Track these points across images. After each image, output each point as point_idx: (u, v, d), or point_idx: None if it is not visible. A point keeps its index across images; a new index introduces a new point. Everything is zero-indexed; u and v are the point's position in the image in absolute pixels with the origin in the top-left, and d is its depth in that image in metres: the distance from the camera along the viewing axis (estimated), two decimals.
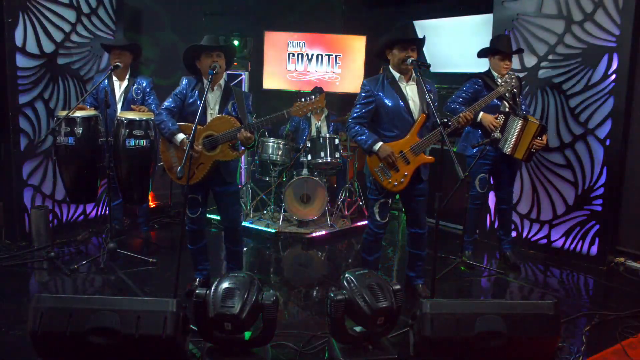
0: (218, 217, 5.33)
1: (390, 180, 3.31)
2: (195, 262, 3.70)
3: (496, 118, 3.98)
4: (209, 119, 3.42)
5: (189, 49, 3.41)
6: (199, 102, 3.36)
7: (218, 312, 2.41)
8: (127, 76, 4.59)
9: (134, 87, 4.55)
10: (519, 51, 4.28)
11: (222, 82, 3.50)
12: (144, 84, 4.60)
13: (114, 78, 4.57)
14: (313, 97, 3.32)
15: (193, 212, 3.54)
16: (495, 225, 4.90)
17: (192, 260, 3.71)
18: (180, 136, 3.35)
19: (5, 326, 3.12)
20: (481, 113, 4.00)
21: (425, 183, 3.48)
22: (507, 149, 3.97)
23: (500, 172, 4.23)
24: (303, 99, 3.34)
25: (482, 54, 4.16)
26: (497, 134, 3.97)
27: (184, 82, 3.47)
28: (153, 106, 4.55)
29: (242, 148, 3.46)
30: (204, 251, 3.70)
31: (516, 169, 4.35)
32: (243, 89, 6.30)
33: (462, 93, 4.05)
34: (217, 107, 3.46)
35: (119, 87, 4.57)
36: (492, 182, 4.34)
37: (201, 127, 3.37)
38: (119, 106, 4.53)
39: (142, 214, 4.86)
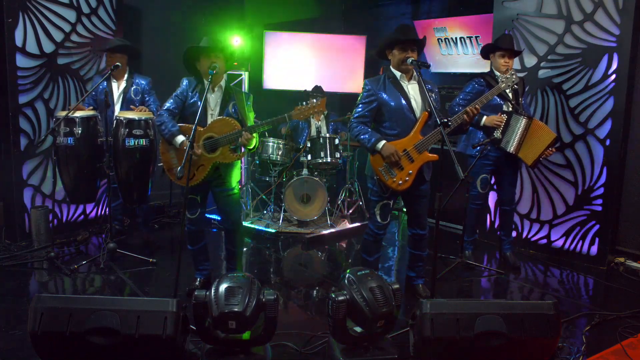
0: (218, 218, 5.35)
1: (395, 179, 3.31)
2: (195, 262, 3.71)
3: (499, 116, 3.98)
4: (209, 120, 3.42)
5: (187, 51, 3.42)
6: (199, 103, 3.36)
7: (222, 310, 2.41)
8: (125, 76, 4.59)
9: (132, 88, 4.55)
10: (519, 52, 4.27)
11: (222, 83, 3.49)
12: (144, 84, 4.61)
13: (112, 79, 4.56)
14: (314, 100, 3.33)
15: (192, 212, 3.55)
16: (496, 225, 4.91)
17: (192, 260, 3.71)
18: (181, 138, 3.35)
19: (5, 326, 3.12)
20: (484, 117, 4.00)
21: (427, 184, 3.48)
22: (511, 148, 3.97)
23: (502, 172, 4.23)
24: (304, 103, 3.35)
25: (484, 52, 4.17)
26: (498, 134, 3.98)
27: (184, 83, 3.48)
28: (152, 106, 4.55)
29: (242, 150, 3.46)
30: (205, 251, 3.71)
31: (518, 169, 4.35)
32: (243, 89, 6.30)
33: (465, 95, 4.03)
34: (217, 109, 3.45)
35: (117, 88, 4.57)
36: (493, 182, 4.34)
37: (202, 129, 3.38)
38: (117, 107, 4.53)
39: (141, 214, 4.85)
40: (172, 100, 3.45)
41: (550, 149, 3.93)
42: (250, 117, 3.48)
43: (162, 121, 3.39)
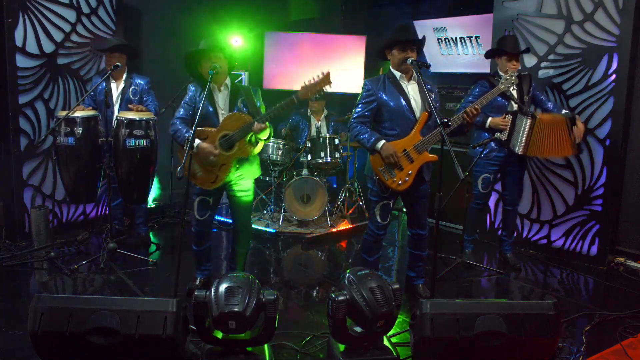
0: (218, 218, 5.35)
1: (394, 179, 3.31)
2: (198, 262, 3.70)
3: (504, 118, 3.97)
4: (220, 120, 3.41)
5: (187, 56, 3.41)
6: (208, 105, 3.37)
7: (222, 311, 2.41)
8: (124, 76, 4.58)
9: (131, 88, 4.55)
10: (526, 51, 4.22)
11: (227, 82, 3.50)
12: (142, 84, 4.59)
13: (111, 79, 4.55)
14: (319, 75, 3.30)
15: (202, 214, 3.53)
16: (496, 225, 4.91)
17: (194, 260, 3.71)
18: (196, 142, 3.32)
19: (5, 326, 3.12)
20: (489, 119, 3.99)
21: (427, 184, 3.48)
22: (519, 149, 3.93)
23: (508, 172, 4.20)
24: (308, 80, 3.31)
25: (489, 55, 4.16)
26: (499, 135, 3.97)
27: (191, 90, 3.48)
28: (151, 106, 4.54)
29: (258, 143, 3.44)
30: (208, 253, 3.71)
31: (525, 170, 4.32)
32: None
33: (473, 98, 3.99)
34: (227, 107, 3.46)
35: (116, 88, 4.57)
36: (499, 182, 4.32)
37: (214, 129, 3.37)
38: (117, 107, 4.52)
39: (140, 214, 4.85)
40: (182, 109, 3.45)
41: (574, 127, 3.85)
42: (262, 111, 3.47)
43: (176, 129, 3.38)
